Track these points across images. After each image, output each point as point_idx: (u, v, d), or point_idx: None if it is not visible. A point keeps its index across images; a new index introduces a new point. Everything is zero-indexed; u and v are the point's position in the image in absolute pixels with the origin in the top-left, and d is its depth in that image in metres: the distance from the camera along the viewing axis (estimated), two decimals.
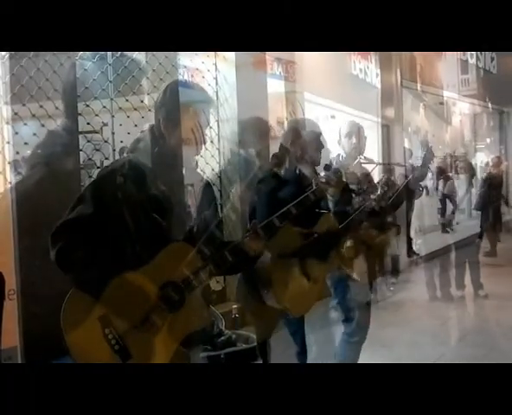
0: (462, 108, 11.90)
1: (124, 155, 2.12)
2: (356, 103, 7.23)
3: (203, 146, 2.09)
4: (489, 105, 12.09)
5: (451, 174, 8.87)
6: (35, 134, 3.38)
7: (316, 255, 2.83)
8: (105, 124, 3.97)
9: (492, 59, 11.61)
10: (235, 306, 4.65)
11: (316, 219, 2.92)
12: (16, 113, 3.30)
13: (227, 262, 1.92)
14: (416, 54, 9.01)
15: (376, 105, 7.77)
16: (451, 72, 10.72)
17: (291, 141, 3.03)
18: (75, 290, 1.86)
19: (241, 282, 2.94)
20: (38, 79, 3.37)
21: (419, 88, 9.41)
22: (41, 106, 3.37)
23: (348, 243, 3.01)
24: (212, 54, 4.80)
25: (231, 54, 4.86)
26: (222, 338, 4.19)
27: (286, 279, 2.75)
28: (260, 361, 3.53)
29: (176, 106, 1.99)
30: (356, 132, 3.53)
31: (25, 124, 3.34)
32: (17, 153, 3.34)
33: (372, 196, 3.13)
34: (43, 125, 3.39)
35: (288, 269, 2.76)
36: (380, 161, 6.66)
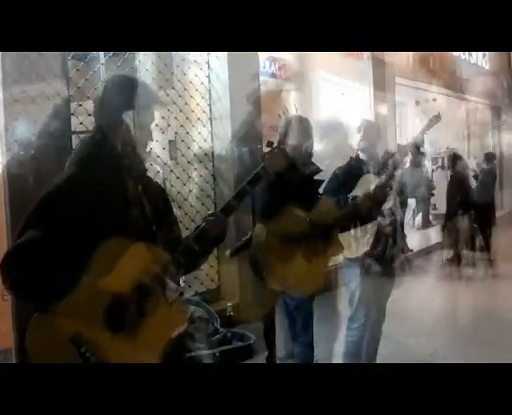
0: (457, 101, 11.92)
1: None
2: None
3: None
4: (484, 99, 12.13)
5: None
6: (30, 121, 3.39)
7: (318, 239, 2.93)
8: None
9: (484, 54, 11.66)
10: (230, 304, 4.66)
11: (316, 202, 3.07)
12: (16, 100, 3.31)
13: (194, 251, 1.88)
14: None
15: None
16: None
17: (284, 135, 3.15)
18: (38, 316, 1.75)
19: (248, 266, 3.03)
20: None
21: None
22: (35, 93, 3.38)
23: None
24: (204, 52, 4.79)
25: (223, 52, 4.85)
26: (218, 336, 4.21)
27: (284, 261, 2.86)
28: (255, 359, 3.56)
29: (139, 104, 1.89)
30: (364, 127, 3.65)
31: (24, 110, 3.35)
32: (15, 141, 3.35)
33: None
34: (41, 110, 3.40)
35: (288, 251, 2.88)
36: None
